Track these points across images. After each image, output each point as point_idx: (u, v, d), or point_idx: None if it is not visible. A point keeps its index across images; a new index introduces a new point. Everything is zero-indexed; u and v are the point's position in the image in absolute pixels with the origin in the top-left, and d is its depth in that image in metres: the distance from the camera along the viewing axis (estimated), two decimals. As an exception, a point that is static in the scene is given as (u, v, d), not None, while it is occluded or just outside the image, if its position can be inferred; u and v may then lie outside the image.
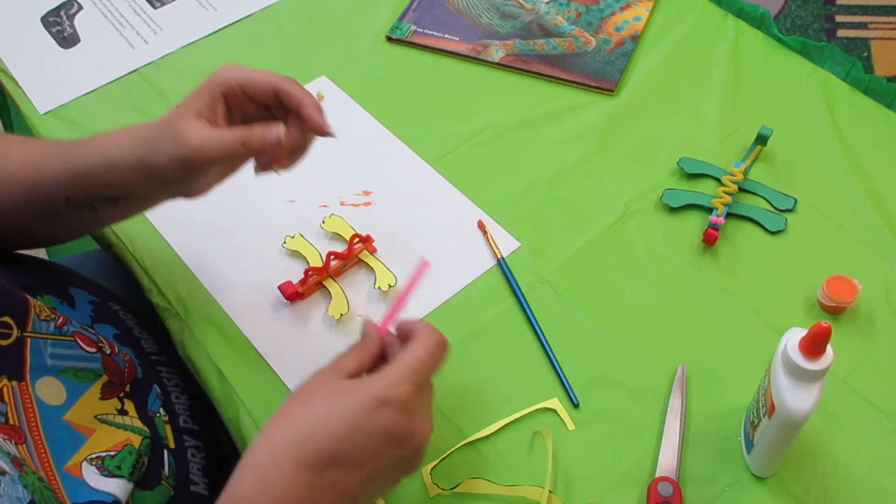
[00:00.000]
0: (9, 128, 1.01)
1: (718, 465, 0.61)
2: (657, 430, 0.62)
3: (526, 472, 0.61)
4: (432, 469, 0.61)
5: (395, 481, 0.54)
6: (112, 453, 0.57)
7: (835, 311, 0.68)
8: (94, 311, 0.67)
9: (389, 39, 0.92)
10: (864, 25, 1.44)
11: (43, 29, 0.95)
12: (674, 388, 0.64)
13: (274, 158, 0.59)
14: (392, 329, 0.57)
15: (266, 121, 0.58)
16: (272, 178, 0.79)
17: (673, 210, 0.75)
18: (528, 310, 0.69)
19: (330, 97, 0.86)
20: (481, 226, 0.75)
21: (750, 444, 0.59)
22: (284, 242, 0.74)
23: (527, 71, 0.88)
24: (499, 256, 0.73)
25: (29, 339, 0.56)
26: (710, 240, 0.72)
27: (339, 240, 0.75)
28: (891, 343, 0.66)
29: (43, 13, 0.97)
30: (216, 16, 0.96)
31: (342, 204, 0.78)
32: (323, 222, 0.75)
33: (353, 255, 0.72)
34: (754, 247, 0.73)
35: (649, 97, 0.85)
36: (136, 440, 0.59)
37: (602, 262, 0.72)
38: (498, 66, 0.89)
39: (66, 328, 0.59)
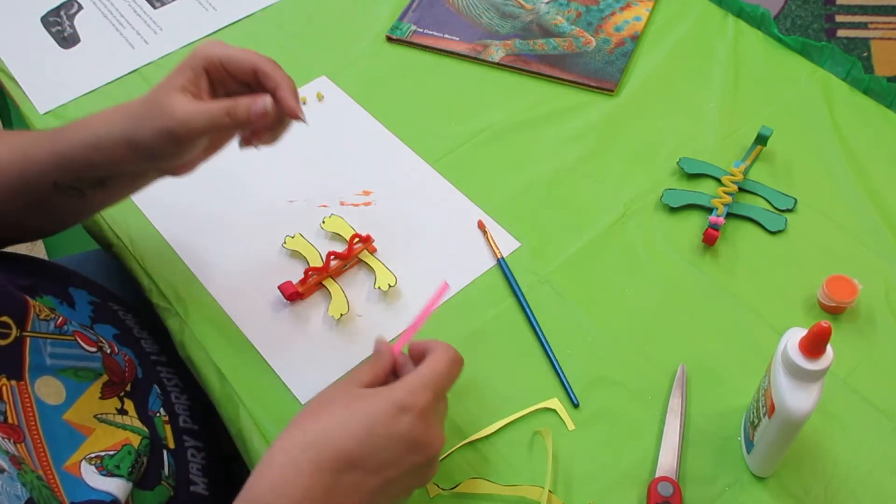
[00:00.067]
0: (8, 128, 1.01)
1: (718, 465, 0.61)
2: (657, 430, 0.62)
3: (526, 472, 0.61)
4: (432, 469, 0.61)
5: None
6: (111, 453, 0.57)
7: (835, 311, 0.68)
8: (94, 312, 0.67)
9: (389, 39, 0.92)
10: (864, 25, 1.44)
11: (43, 29, 0.95)
12: (674, 388, 0.64)
13: (255, 133, 0.61)
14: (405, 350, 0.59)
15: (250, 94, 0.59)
16: (272, 178, 0.80)
17: (673, 210, 0.75)
18: (528, 310, 0.69)
19: (330, 97, 0.86)
20: (481, 226, 0.75)
21: (750, 444, 0.59)
22: (284, 242, 0.74)
23: (527, 71, 0.88)
24: (499, 256, 0.73)
25: (28, 339, 0.56)
26: (710, 240, 0.72)
27: (339, 240, 0.75)
28: (891, 343, 0.66)
29: (43, 13, 0.97)
30: (216, 16, 0.96)
31: (342, 204, 0.78)
32: (323, 222, 0.75)
33: (353, 255, 0.72)
34: (754, 247, 0.73)
35: (649, 97, 0.85)
36: (136, 440, 0.59)
37: (602, 262, 0.72)
38: (498, 66, 0.89)
39: (66, 327, 0.59)
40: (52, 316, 0.58)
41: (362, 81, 0.88)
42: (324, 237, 0.75)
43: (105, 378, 0.61)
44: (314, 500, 0.48)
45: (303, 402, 0.65)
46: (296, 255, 0.74)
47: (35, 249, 1.65)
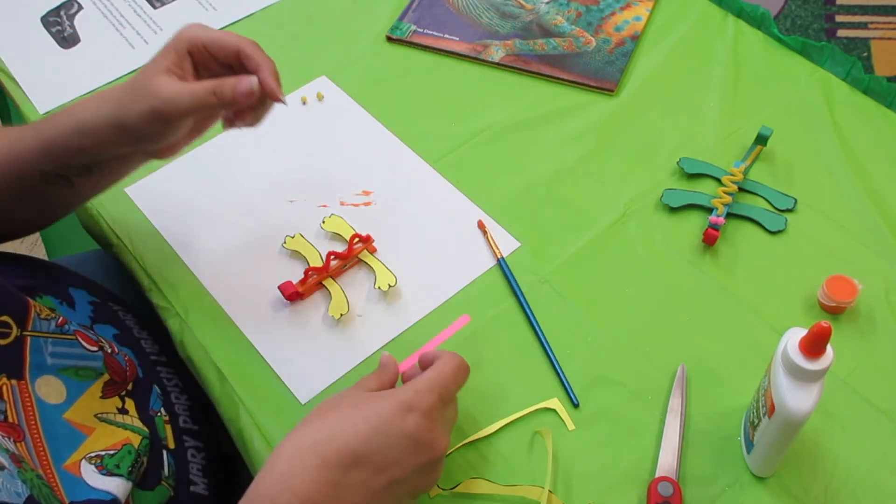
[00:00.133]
0: (9, 128, 1.01)
1: (718, 465, 0.61)
2: (657, 430, 0.62)
3: (526, 472, 0.61)
4: (432, 469, 0.61)
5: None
6: (111, 452, 0.57)
7: (835, 311, 0.68)
8: (94, 312, 0.67)
9: (389, 39, 0.92)
10: (864, 25, 1.44)
11: (43, 29, 0.95)
12: (674, 388, 0.64)
13: (238, 114, 0.63)
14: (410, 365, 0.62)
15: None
16: (272, 178, 0.80)
17: (673, 210, 0.75)
18: (528, 310, 0.69)
19: (330, 97, 0.86)
20: (481, 226, 0.75)
21: (750, 444, 0.59)
22: (284, 242, 0.74)
23: (527, 71, 0.88)
24: (499, 256, 0.73)
25: (29, 338, 0.56)
26: (710, 240, 0.72)
27: (339, 240, 0.75)
28: (891, 343, 0.66)
29: (43, 13, 0.97)
30: (216, 16, 0.96)
31: (342, 204, 0.78)
32: (323, 222, 0.75)
33: (353, 255, 0.72)
34: (754, 247, 0.73)
35: (649, 97, 0.85)
36: (136, 440, 0.59)
37: (602, 262, 0.72)
38: (498, 66, 0.89)
39: (66, 327, 0.59)
40: (53, 316, 0.58)
41: (362, 81, 0.88)
42: (324, 237, 0.75)
43: (106, 377, 0.61)
44: (320, 496, 0.49)
45: (303, 402, 0.65)
46: (296, 255, 0.74)
47: (35, 250, 1.65)
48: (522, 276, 0.71)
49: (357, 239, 0.72)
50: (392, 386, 0.58)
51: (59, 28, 0.95)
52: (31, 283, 0.63)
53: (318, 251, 0.73)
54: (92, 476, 0.55)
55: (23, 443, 0.53)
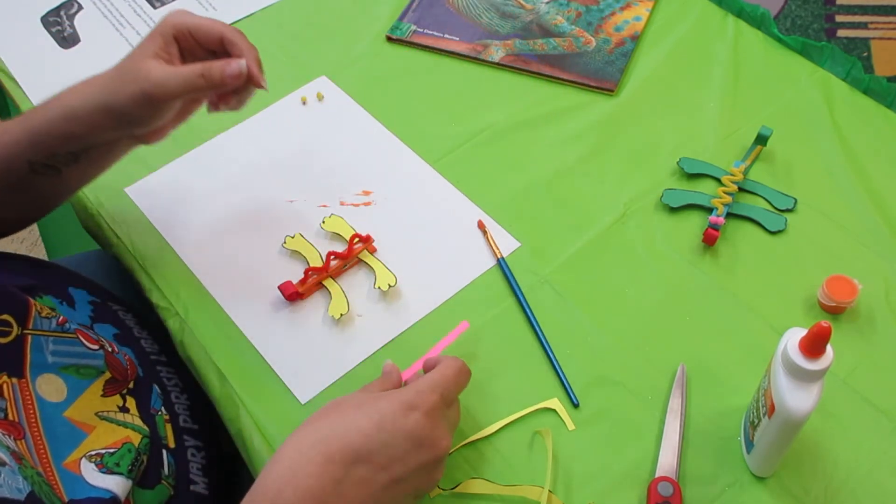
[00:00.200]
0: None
1: (718, 465, 0.61)
2: (657, 430, 0.62)
3: (526, 472, 0.61)
4: (432, 469, 0.61)
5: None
6: (111, 450, 0.57)
7: (835, 311, 0.68)
8: (94, 312, 0.67)
9: (389, 39, 0.92)
10: (864, 25, 1.44)
11: (43, 29, 0.95)
12: (674, 388, 0.64)
13: (222, 98, 0.66)
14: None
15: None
16: (272, 178, 0.80)
17: (673, 210, 0.75)
18: (528, 310, 0.69)
19: (330, 97, 0.86)
20: (481, 226, 0.75)
21: (750, 444, 0.59)
22: (284, 242, 0.74)
23: (527, 71, 0.88)
24: (499, 256, 0.73)
25: (29, 337, 0.56)
26: (710, 240, 0.72)
27: (339, 240, 0.75)
28: (891, 343, 0.66)
29: (43, 13, 0.97)
30: (216, 16, 0.96)
31: (342, 204, 0.78)
32: (323, 222, 0.75)
33: (353, 255, 0.72)
34: (754, 247, 0.73)
35: (649, 97, 0.85)
36: (136, 438, 0.59)
37: (602, 262, 0.72)
38: (498, 66, 0.89)
39: (67, 326, 0.59)
40: (54, 314, 0.59)
41: (362, 81, 0.88)
42: (324, 237, 0.75)
43: (108, 375, 0.61)
44: (323, 492, 0.49)
45: (303, 402, 0.65)
46: (296, 255, 0.74)
47: (35, 250, 1.65)
48: (522, 276, 0.71)
49: (357, 239, 0.72)
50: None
51: (59, 28, 0.95)
52: (32, 283, 0.63)
53: (318, 251, 0.73)
54: (92, 474, 0.55)
55: (23, 441, 0.53)
